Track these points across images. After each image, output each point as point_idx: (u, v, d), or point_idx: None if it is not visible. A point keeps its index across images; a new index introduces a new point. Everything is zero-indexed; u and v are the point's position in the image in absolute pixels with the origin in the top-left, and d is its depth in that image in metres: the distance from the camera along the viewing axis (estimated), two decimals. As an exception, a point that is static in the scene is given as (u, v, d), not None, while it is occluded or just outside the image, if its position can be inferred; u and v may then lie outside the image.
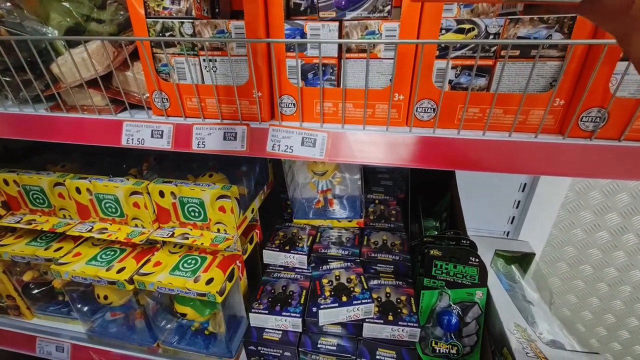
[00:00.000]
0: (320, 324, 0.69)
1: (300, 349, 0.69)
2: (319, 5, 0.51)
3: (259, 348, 0.70)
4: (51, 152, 0.96)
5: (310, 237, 0.87)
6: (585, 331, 1.25)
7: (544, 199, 0.97)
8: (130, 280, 0.70)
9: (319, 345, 0.69)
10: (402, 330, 0.67)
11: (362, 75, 0.53)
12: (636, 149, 0.47)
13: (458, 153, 0.53)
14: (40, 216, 0.82)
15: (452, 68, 0.51)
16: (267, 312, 0.71)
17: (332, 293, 0.71)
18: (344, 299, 0.69)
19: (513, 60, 0.49)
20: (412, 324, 0.67)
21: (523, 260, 0.88)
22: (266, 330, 0.72)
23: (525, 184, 0.99)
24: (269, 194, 0.94)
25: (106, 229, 0.76)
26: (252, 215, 0.82)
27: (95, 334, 0.83)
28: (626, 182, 1.02)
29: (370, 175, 1.06)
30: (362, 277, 0.75)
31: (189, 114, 0.62)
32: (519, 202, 1.01)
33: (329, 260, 0.81)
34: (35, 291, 0.88)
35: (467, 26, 0.48)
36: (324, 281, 0.75)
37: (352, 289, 0.72)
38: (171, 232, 0.74)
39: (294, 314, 0.70)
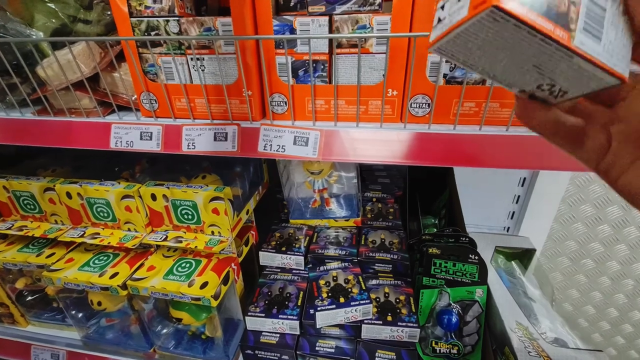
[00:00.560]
0: (317, 326, 0.67)
1: (298, 352, 0.68)
2: (308, -1, 0.50)
3: (256, 352, 0.69)
4: (42, 156, 0.94)
5: (307, 238, 0.86)
6: (588, 326, 1.24)
7: (544, 193, 0.95)
8: (124, 286, 0.69)
9: (317, 348, 0.68)
10: (402, 331, 0.66)
11: (354, 71, 0.52)
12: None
13: (454, 149, 0.51)
14: (32, 222, 0.81)
15: (446, 62, 0.49)
16: (263, 315, 0.70)
17: (330, 294, 0.70)
18: (342, 300, 0.68)
19: (509, 51, 0.47)
20: (411, 324, 0.65)
21: (524, 256, 0.87)
22: (263, 333, 0.70)
23: (524, 179, 0.97)
24: (265, 194, 0.93)
25: (98, 233, 0.75)
26: (247, 217, 0.81)
27: (90, 341, 0.82)
28: (627, 175, 1.00)
29: (367, 173, 1.04)
30: (360, 277, 0.73)
31: (178, 114, 0.61)
32: (518, 196, 1.00)
33: (326, 260, 0.80)
34: (29, 298, 0.87)
35: (460, 18, 0.46)
36: (321, 282, 0.74)
37: (349, 289, 0.70)
38: (164, 236, 0.72)
39: (291, 317, 0.68)
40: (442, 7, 0.24)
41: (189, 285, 0.66)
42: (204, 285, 0.66)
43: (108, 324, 0.82)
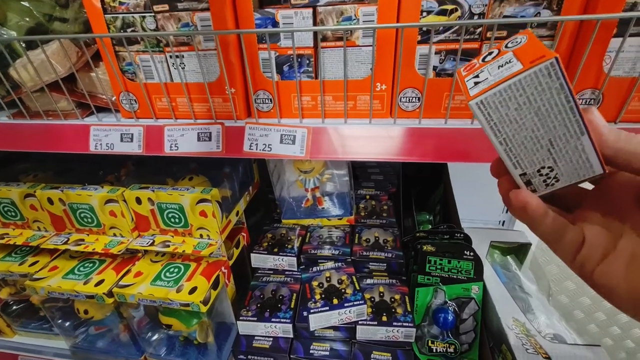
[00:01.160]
0: (311, 329, 0.66)
1: (292, 356, 0.66)
2: (290, -10, 0.47)
3: (249, 357, 0.67)
4: (23, 161, 0.91)
5: (300, 238, 0.84)
6: (584, 317, 1.24)
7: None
8: (110, 294, 0.66)
9: (311, 351, 0.66)
10: (397, 331, 0.64)
11: (341, 65, 0.50)
12: (634, 131, 0.44)
13: (446, 144, 0.50)
14: (13, 229, 0.78)
15: (436, 53, 0.47)
16: (255, 319, 0.68)
17: (323, 296, 0.68)
18: (335, 301, 0.66)
19: (500, 41, 0.45)
20: (407, 324, 0.64)
21: (519, 250, 0.86)
22: (256, 337, 0.69)
23: (518, 172, 0.96)
24: (256, 194, 0.91)
25: (83, 240, 0.72)
26: (237, 218, 0.79)
27: (79, 350, 0.79)
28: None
29: (360, 170, 1.03)
30: (354, 277, 0.72)
31: (159, 115, 0.58)
32: (513, 190, 0.99)
33: (319, 261, 0.78)
34: (15, 308, 0.84)
35: (449, 7, 0.45)
36: (314, 284, 0.72)
37: (343, 290, 0.69)
38: (151, 241, 0.70)
39: (284, 320, 0.67)
40: (477, 76, 0.27)
41: (178, 291, 0.64)
42: (192, 290, 0.64)
43: (97, 332, 0.80)
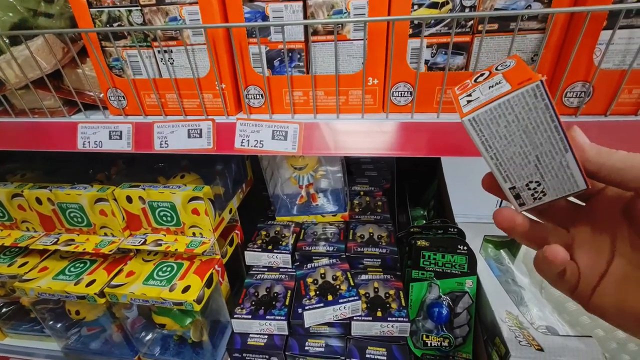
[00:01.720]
0: (306, 326, 0.66)
1: (287, 353, 0.66)
2: (280, -17, 0.47)
3: (244, 355, 0.67)
4: (11, 161, 0.89)
5: (294, 235, 0.84)
6: (576, 309, 1.25)
7: (531, 180, 0.95)
8: (101, 294, 0.65)
9: (306, 348, 0.66)
10: (392, 326, 0.64)
11: (332, 60, 0.49)
12: (623, 124, 0.44)
13: (439, 138, 0.49)
14: (1, 230, 0.77)
15: (428, 47, 0.47)
16: (250, 316, 0.67)
17: (318, 292, 0.68)
18: (330, 297, 0.66)
19: (491, 34, 0.45)
20: (401, 319, 0.64)
21: (512, 244, 0.87)
22: (251, 335, 0.68)
23: (511, 167, 0.97)
24: (249, 191, 0.90)
25: (73, 240, 0.71)
26: (230, 216, 0.78)
27: (71, 351, 0.78)
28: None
29: (354, 166, 1.02)
30: (349, 273, 0.72)
31: (148, 111, 0.57)
32: (506, 185, 0.99)
33: (313, 257, 0.78)
34: (4, 310, 0.83)
35: (440, 0, 0.44)
36: (309, 280, 0.72)
37: (338, 286, 0.69)
38: (143, 240, 0.69)
39: (279, 317, 0.67)
40: (470, 95, 0.29)
41: (170, 290, 0.64)
42: (186, 289, 0.64)
43: (89, 333, 0.79)
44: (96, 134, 0.58)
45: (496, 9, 0.43)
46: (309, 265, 0.77)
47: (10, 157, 0.91)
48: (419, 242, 0.71)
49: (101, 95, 0.60)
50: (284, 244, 0.80)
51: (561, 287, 0.31)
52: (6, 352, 0.82)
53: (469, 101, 0.28)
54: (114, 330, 0.76)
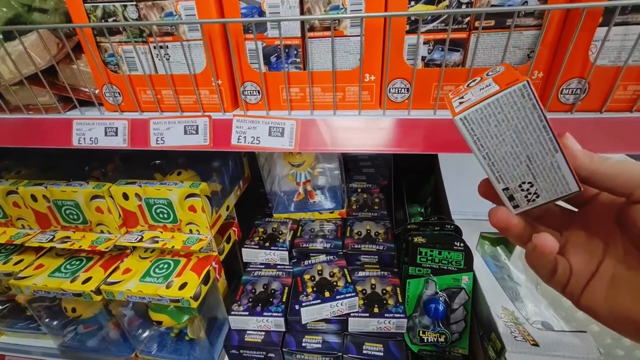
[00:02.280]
0: (303, 322, 0.66)
1: (284, 350, 0.66)
2: (276, -21, 0.46)
3: (241, 351, 0.67)
4: (5, 158, 0.88)
5: (292, 232, 0.84)
6: (571, 305, 1.26)
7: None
8: (98, 291, 0.65)
9: (303, 344, 0.66)
10: (389, 322, 0.65)
11: (329, 56, 0.49)
12: (619, 120, 0.44)
13: (436, 135, 0.49)
14: (-4, 228, 0.76)
15: (425, 43, 0.47)
16: (247, 313, 0.67)
17: (315, 289, 0.68)
18: (327, 294, 0.66)
19: (488, 31, 0.45)
20: (398, 315, 0.64)
21: (508, 241, 0.87)
22: (248, 332, 0.68)
23: (508, 164, 0.97)
24: (247, 188, 0.90)
25: (69, 237, 0.71)
26: (227, 213, 0.78)
27: (68, 349, 0.78)
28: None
29: (351, 163, 1.02)
30: (346, 270, 0.72)
31: (144, 108, 0.57)
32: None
33: (311, 254, 0.78)
34: (0, 308, 0.82)
35: (437, -4, 0.44)
36: (306, 277, 0.72)
37: (335, 283, 0.69)
38: (140, 237, 0.69)
39: (276, 314, 0.67)
40: (462, 97, 0.30)
41: (167, 287, 0.64)
42: (182, 286, 0.63)
43: (86, 331, 0.78)
44: (92, 130, 0.57)
45: (493, 6, 0.43)
46: (306, 262, 0.77)
47: (5, 154, 0.90)
48: (415, 239, 0.71)
49: (96, 92, 0.59)
50: (281, 240, 0.80)
51: (553, 283, 0.31)
52: (2, 350, 0.81)
53: (460, 102, 0.29)
54: (111, 328, 0.76)
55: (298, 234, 0.83)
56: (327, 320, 0.67)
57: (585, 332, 0.58)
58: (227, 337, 0.68)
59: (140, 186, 0.65)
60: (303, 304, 0.65)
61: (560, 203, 0.34)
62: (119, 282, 0.66)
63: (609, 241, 0.29)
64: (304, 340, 0.67)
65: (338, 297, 0.65)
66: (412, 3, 0.45)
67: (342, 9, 0.46)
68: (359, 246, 0.77)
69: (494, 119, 0.27)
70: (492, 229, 0.87)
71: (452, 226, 0.74)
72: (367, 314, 0.65)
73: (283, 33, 0.48)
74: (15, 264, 0.73)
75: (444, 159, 0.94)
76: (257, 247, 0.79)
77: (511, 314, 0.62)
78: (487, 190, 0.32)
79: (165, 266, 0.69)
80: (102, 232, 0.71)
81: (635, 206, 0.26)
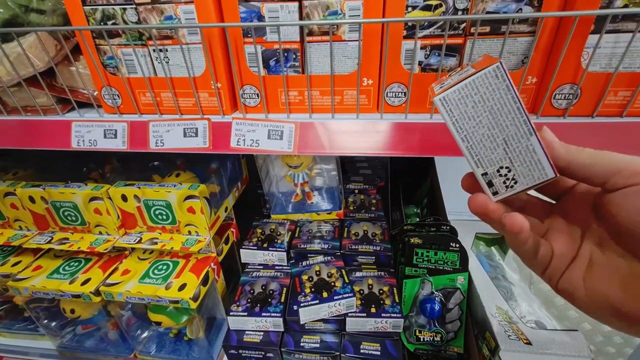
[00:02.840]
0: (301, 322, 0.66)
1: (282, 349, 0.67)
2: (275, -16, 0.47)
3: (240, 351, 0.68)
4: (2, 159, 0.88)
5: (290, 233, 0.84)
6: (564, 304, 1.29)
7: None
8: (97, 292, 0.65)
9: (302, 344, 0.67)
10: (386, 322, 0.66)
11: (327, 60, 0.50)
12: (609, 124, 0.46)
13: (431, 138, 0.50)
14: (-7, 229, 0.76)
15: (421, 48, 0.48)
16: (246, 313, 0.68)
17: (313, 289, 0.69)
18: (325, 294, 0.67)
19: (483, 37, 0.46)
20: (395, 315, 0.65)
21: (503, 241, 0.88)
22: (246, 332, 0.69)
23: (503, 165, 0.98)
24: (245, 190, 0.90)
25: (67, 239, 0.71)
26: (226, 214, 0.78)
27: (66, 349, 0.78)
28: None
29: (348, 164, 1.03)
30: (343, 270, 0.73)
31: (143, 110, 0.57)
32: (497, 183, 1.01)
33: (308, 255, 0.79)
34: (-3, 309, 0.82)
35: (434, 2, 0.45)
36: (304, 277, 0.73)
37: (332, 283, 0.70)
38: (138, 238, 0.69)
39: (275, 314, 0.67)
40: (442, 82, 0.31)
41: (167, 288, 0.64)
42: (182, 287, 0.64)
43: (85, 331, 0.79)
44: (90, 132, 0.57)
45: (488, 12, 0.44)
46: (304, 263, 0.78)
47: (2, 155, 0.90)
48: (412, 240, 0.72)
49: (95, 94, 0.59)
50: (279, 241, 0.81)
51: (534, 265, 0.32)
52: (0, 352, 0.81)
53: (441, 86, 0.30)
54: (110, 328, 0.76)
55: (296, 235, 0.84)
56: (325, 320, 0.68)
57: (577, 330, 0.59)
58: (226, 337, 0.69)
59: (139, 188, 0.66)
60: (301, 305, 0.65)
61: (541, 196, 0.35)
62: (118, 283, 0.66)
63: (586, 228, 0.30)
64: (302, 340, 0.68)
65: (336, 297, 0.66)
66: (410, 9, 0.45)
67: (340, 14, 0.47)
68: (357, 247, 0.78)
69: (470, 100, 0.28)
70: (487, 230, 0.89)
71: (448, 227, 0.75)
72: (365, 314, 0.66)
73: (282, 37, 0.49)
74: (13, 265, 0.73)
75: (440, 161, 0.95)
76: (256, 247, 0.79)
77: (505, 313, 0.64)
78: (469, 184, 0.33)
79: (164, 267, 0.69)
80: (100, 233, 0.71)
81: (609, 195, 0.27)
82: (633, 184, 0.26)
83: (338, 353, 0.65)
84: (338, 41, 0.48)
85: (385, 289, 0.71)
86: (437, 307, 0.67)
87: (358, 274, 0.75)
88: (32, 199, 0.69)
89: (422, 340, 0.67)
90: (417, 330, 0.68)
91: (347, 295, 0.66)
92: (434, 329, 0.67)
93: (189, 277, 0.66)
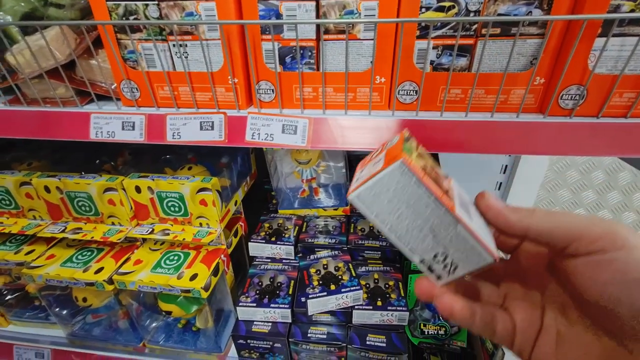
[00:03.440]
0: (309, 314, 0.68)
1: (290, 340, 0.68)
2: (294, -17, 0.48)
3: (249, 341, 0.70)
4: (17, 149, 0.89)
5: (297, 227, 0.86)
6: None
7: (525, 179, 0.98)
8: (110, 281, 0.67)
9: (309, 335, 0.69)
10: (391, 315, 0.67)
11: (342, 58, 0.51)
12: (614, 125, 0.47)
13: (441, 135, 0.52)
14: (8, 218, 0.77)
15: (434, 48, 0.49)
16: (255, 304, 0.70)
17: (320, 282, 0.71)
18: (333, 287, 0.69)
19: (494, 38, 0.48)
20: (400, 308, 0.67)
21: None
22: (255, 322, 0.71)
23: (506, 166, 1.00)
24: (253, 185, 0.92)
25: (80, 228, 0.73)
26: (235, 208, 0.80)
27: (76, 338, 0.80)
28: (601, 160, 1.05)
29: (355, 160, 1.04)
30: (350, 264, 0.74)
31: (161, 103, 0.59)
32: (500, 183, 1.03)
33: (316, 249, 0.80)
34: (9, 297, 0.84)
35: (447, 4, 0.47)
36: (312, 270, 0.74)
37: (340, 277, 0.71)
38: (151, 229, 0.71)
39: (283, 305, 0.69)
40: (362, 171, 0.29)
41: (179, 278, 0.66)
42: (193, 277, 0.66)
43: (95, 320, 0.80)
44: (109, 124, 0.59)
45: (499, 14, 0.46)
46: (311, 257, 0.79)
47: (15, 146, 0.91)
48: (418, 236, 0.74)
49: (113, 87, 0.61)
50: (286, 235, 0.83)
51: (498, 341, 0.29)
52: (10, 339, 0.83)
53: (357, 179, 0.28)
54: (120, 317, 0.77)
55: (303, 230, 0.86)
56: (331, 313, 0.70)
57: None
58: (235, 327, 0.70)
59: (153, 180, 0.67)
60: (310, 296, 0.67)
61: None
62: (130, 273, 0.67)
63: (545, 291, 0.28)
64: (309, 331, 0.69)
65: (343, 289, 0.68)
66: (423, 10, 0.47)
67: (356, 13, 0.48)
68: (363, 242, 0.80)
69: (385, 196, 0.26)
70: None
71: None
72: (371, 307, 0.68)
73: (299, 35, 0.50)
74: (27, 254, 0.75)
75: (443, 157, 0.97)
76: (264, 241, 0.81)
77: (508, 308, 0.65)
78: (424, 290, 0.29)
79: (176, 258, 0.71)
80: (113, 224, 0.73)
81: (570, 260, 0.25)
82: (594, 251, 0.24)
83: (345, 344, 0.67)
84: (353, 40, 0.50)
85: (391, 283, 0.72)
86: (441, 302, 0.68)
87: (364, 268, 0.77)
88: (47, 189, 0.71)
89: (426, 333, 0.69)
90: (421, 324, 0.70)
91: (355, 288, 0.68)
92: (438, 322, 0.69)
93: (200, 267, 0.68)
